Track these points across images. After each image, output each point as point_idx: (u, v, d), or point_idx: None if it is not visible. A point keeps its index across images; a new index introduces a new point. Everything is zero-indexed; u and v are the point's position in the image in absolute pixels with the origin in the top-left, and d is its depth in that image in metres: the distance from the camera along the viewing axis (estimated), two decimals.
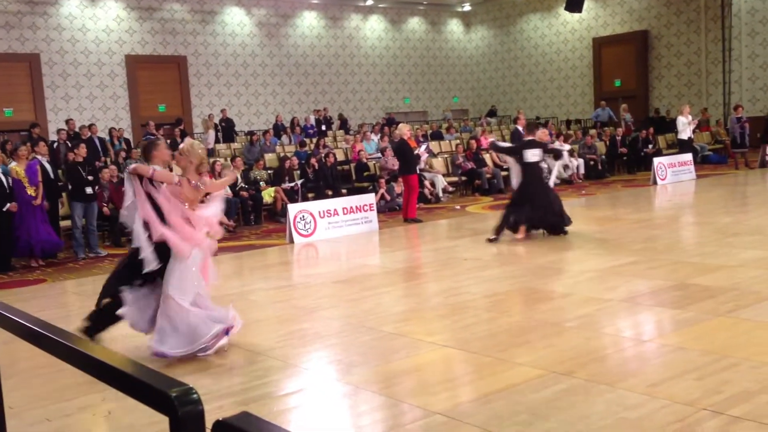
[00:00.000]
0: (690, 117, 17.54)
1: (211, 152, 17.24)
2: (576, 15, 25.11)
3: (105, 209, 11.44)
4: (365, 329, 5.76)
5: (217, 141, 19.39)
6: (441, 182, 15.64)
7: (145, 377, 1.44)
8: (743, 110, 18.91)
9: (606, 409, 3.83)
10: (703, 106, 23.40)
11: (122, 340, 5.81)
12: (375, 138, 17.99)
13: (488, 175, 16.21)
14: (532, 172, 9.75)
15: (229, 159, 15.20)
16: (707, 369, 4.29)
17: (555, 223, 9.74)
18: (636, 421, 3.65)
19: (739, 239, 8.56)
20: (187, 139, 5.48)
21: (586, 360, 4.65)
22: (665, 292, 6.34)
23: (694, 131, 17.96)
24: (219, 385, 4.62)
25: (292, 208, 11.06)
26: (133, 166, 5.34)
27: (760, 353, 4.49)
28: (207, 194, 5.56)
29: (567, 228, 9.81)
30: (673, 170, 16.16)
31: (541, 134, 10.24)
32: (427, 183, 15.15)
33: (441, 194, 15.43)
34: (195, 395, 1.33)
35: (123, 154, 14.55)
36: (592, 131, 20.26)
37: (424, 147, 13.14)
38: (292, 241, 10.82)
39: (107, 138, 16.83)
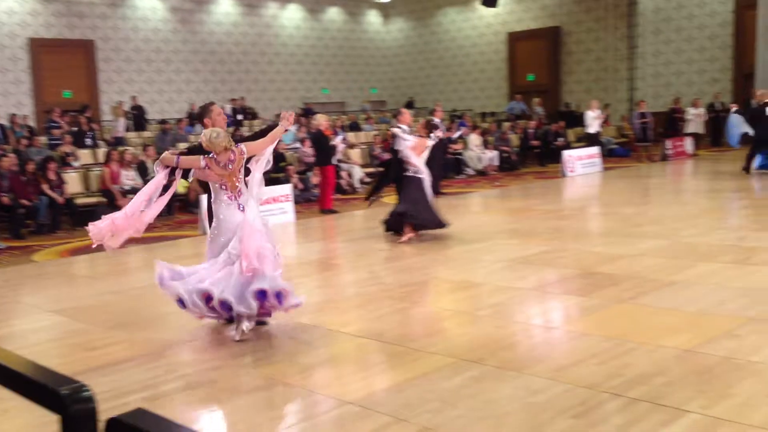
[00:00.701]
0: (598, 111, 18.19)
1: (120, 141, 16.68)
2: (492, 9, 25.61)
3: (4, 199, 10.91)
4: (279, 320, 5.72)
5: (127, 129, 18.78)
6: (358, 173, 15.66)
7: (36, 375, 1.39)
8: (646, 105, 19.77)
9: (513, 395, 3.94)
10: (610, 101, 24.31)
11: (20, 336, 5.58)
12: (292, 128, 17.83)
13: None
14: (391, 164, 9.31)
15: (140, 148, 14.75)
16: (609, 354, 4.47)
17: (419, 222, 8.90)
18: (541, 405, 3.77)
19: (640, 229, 8.95)
20: (204, 133, 5.35)
21: (496, 347, 4.77)
22: (572, 280, 6.57)
23: (601, 125, 18.64)
24: (126, 381, 4.49)
25: (206, 199, 10.83)
26: (163, 155, 5.41)
27: (656, 338, 4.72)
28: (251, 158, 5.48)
29: (405, 232, 8.82)
30: (581, 163, 16.74)
31: (419, 127, 9.46)
32: (344, 174, 15.15)
33: (358, 185, 15.46)
34: (87, 393, 1.29)
35: (25, 141, 13.89)
36: (506, 124, 20.73)
37: (340, 138, 13.11)
38: (205, 232, 10.56)
39: (8, 125, 16.03)
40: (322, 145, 12.33)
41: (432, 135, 9.33)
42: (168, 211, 13.00)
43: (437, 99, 26.05)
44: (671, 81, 23.97)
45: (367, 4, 29.13)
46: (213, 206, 5.44)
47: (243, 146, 5.38)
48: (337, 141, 12.65)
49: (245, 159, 5.38)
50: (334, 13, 27.96)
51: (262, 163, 5.56)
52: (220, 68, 24.38)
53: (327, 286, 7.22)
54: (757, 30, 21.83)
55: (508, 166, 18.21)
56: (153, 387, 4.37)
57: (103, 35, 21.52)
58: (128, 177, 12.76)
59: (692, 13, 23.43)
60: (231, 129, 17.94)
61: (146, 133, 18.41)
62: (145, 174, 13.09)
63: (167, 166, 5.33)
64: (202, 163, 5.24)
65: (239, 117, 20.66)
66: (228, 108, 21.15)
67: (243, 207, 5.33)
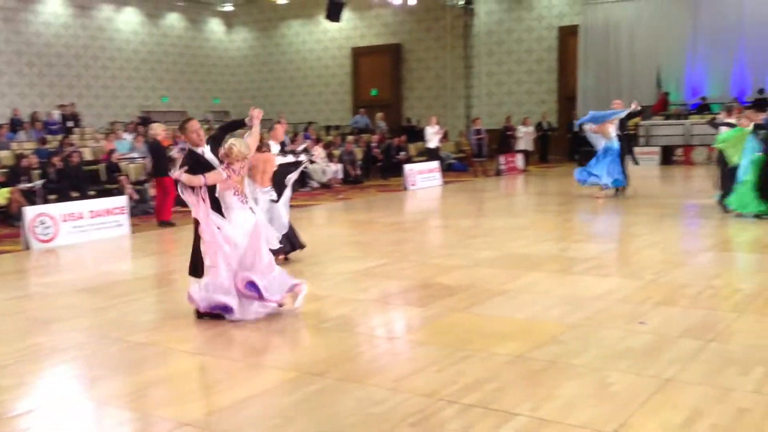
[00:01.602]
0: (437, 127, 18.90)
1: None
2: (335, 24, 25.88)
3: None
4: (111, 340, 5.42)
5: None
6: None
7: None
8: (481, 123, 20.81)
9: (354, 406, 3.97)
10: (449, 118, 25.39)
11: None
12: (128, 137, 17.03)
13: None
14: None
15: None
16: (446, 362, 4.63)
17: None
18: (381, 415, 3.83)
19: (476, 241, 9.38)
20: (235, 144, 5.59)
21: (338, 360, 4.79)
22: (412, 291, 6.75)
23: (440, 141, 19.39)
24: None
25: (30, 211, 10.09)
26: (185, 178, 5.49)
27: (490, 345, 4.95)
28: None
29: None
30: (422, 177, 17.30)
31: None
32: None
33: None
34: None
35: None
36: (350, 137, 21.00)
37: (177, 148, 12.67)
38: (28, 247, 9.85)
39: None
40: (159, 155, 11.88)
41: (290, 150, 8.68)
42: None
43: (281, 111, 25.95)
44: (503, 100, 25.42)
45: (209, 12, 28.48)
46: (225, 213, 5.69)
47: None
48: (176, 152, 12.22)
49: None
50: (174, 19, 27.07)
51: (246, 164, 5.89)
52: (48, 71, 22.82)
53: (163, 302, 6.93)
54: (578, 57, 23.71)
55: (352, 180, 18.45)
56: None
57: None
58: None
59: (521, 37, 25.02)
60: (60, 137, 16.85)
61: None
62: None
63: (193, 187, 5.53)
64: (225, 175, 5.56)
65: (69, 124, 19.40)
66: (56, 114, 19.84)
67: (252, 209, 5.80)
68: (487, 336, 5.19)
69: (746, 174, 10.22)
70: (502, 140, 21.40)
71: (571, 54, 24.00)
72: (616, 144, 13.20)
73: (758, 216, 10.07)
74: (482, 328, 5.41)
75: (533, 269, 7.39)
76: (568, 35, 24.11)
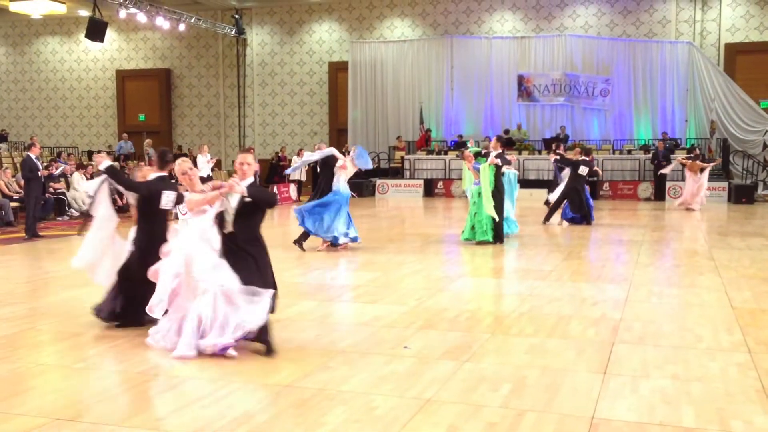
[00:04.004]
0: (209, 156, 18.52)
1: None
2: (98, 44, 24.52)
3: None
4: None
5: None
6: None
7: None
8: (255, 152, 20.82)
9: None
10: (222, 147, 25.07)
11: None
12: None
13: None
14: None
15: None
16: (214, 396, 4.48)
17: None
18: None
19: None
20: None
21: (94, 401, 4.44)
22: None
23: (212, 169, 19.02)
24: None
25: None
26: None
27: (260, 376, 4.87)
28: None
29: None
30: None
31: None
32: None
33: None
34: None
35: None
36: (116, 164, 19.86)
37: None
38: None
39: None
40: None
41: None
42: None
43: (35, 133, 23.90)
44: (277, 131, 25.65)
45: None
46: None
47: None
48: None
49: None
50: None
51: None
52: None
53: None
54: (348, 91, 24.68)
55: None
56: None
57: None
58: None
59: (293, 70, 25.49)
60: None
61: None
62: None
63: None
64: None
65: None
66: None
67: None
68: (258, 367, 5.12)
69: (476, 205, 11.25)
70: (274, 170, 21.56)
71: (341, 88, 24.90)
72: (342, 192, 11.39)
73: (490, 242, 11.14)
74: (252, 359, 5.32)
75: (305, 297, 7.46)
76: (338, 70, 24.99)
